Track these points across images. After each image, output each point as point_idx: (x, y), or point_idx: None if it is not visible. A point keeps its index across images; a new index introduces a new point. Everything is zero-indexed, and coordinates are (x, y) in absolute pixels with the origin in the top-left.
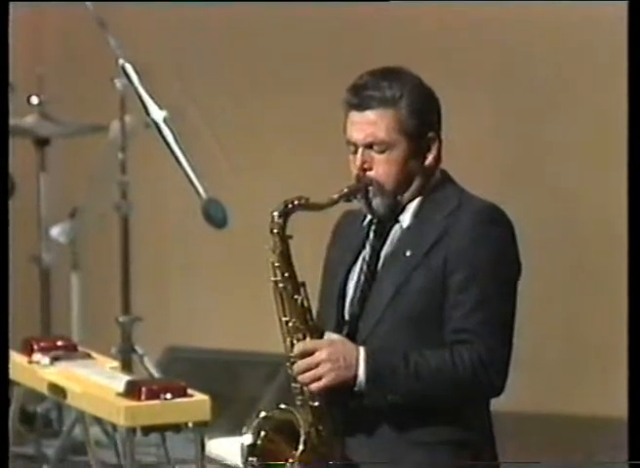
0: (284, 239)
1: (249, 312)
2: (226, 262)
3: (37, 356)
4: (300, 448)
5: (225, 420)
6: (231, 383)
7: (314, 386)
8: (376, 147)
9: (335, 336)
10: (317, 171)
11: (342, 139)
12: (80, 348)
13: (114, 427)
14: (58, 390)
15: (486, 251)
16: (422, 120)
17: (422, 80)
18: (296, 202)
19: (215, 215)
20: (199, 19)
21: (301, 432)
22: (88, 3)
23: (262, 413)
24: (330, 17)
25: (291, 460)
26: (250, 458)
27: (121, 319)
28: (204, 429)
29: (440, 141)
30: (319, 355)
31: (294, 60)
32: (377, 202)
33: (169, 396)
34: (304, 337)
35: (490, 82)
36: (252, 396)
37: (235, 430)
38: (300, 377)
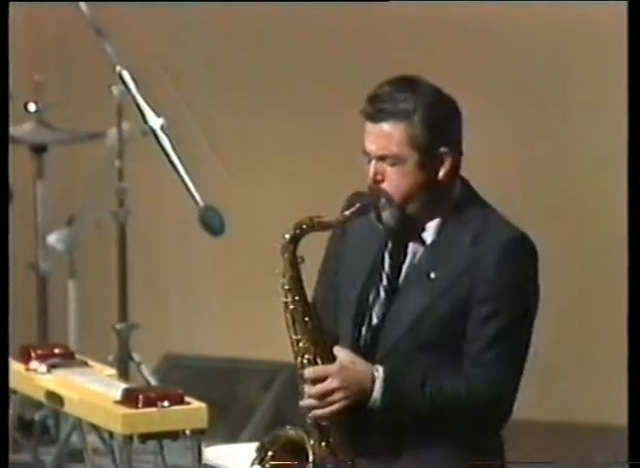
0: (294, 262)
1: (246, 319)
2: (224, 270)
3: (34, 363)
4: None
5: (223, 428)
6: (229, 391)
7: (326, 411)
8: (388, 160)
9: (346, 358)
10: (316, 178)
11: (342, 147)
12: (77, 356)
13: (111, 435)
14: (55, 398)
15: (511, 286)
16: (436, 134)
17: (442, 91)
18: (305, 225)
19: (212, 223)
20: (197, 25)
21: (309, 452)
22: (85, 10)
23: (270, 435)
24: (329, 19)
25: None
26: None
27: (118, 326)
28: (201, 437)
29: (457, 155)
30: (331, 382)
31: (292, 66)
32: (386, 214)
33: (166, 403)
34: (314, 358)
35: (489, 82)
36: (249, 403)
37: (233, 437)
38: (313, 402)
